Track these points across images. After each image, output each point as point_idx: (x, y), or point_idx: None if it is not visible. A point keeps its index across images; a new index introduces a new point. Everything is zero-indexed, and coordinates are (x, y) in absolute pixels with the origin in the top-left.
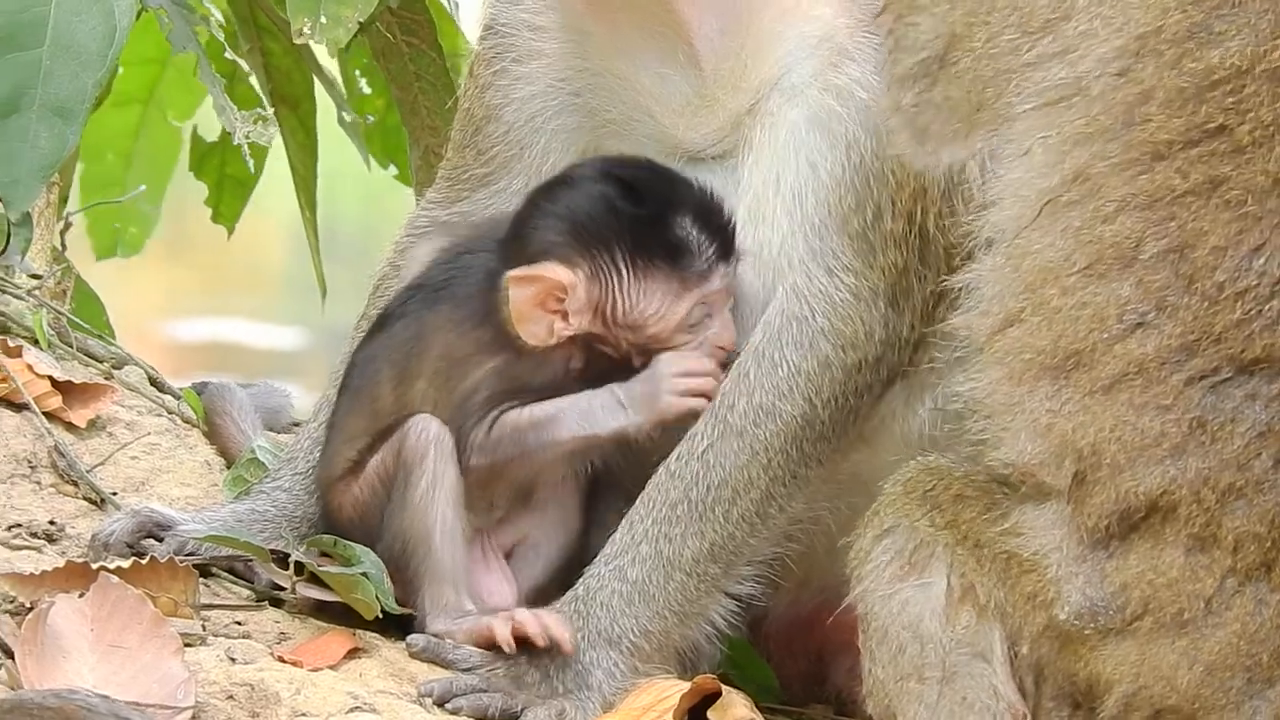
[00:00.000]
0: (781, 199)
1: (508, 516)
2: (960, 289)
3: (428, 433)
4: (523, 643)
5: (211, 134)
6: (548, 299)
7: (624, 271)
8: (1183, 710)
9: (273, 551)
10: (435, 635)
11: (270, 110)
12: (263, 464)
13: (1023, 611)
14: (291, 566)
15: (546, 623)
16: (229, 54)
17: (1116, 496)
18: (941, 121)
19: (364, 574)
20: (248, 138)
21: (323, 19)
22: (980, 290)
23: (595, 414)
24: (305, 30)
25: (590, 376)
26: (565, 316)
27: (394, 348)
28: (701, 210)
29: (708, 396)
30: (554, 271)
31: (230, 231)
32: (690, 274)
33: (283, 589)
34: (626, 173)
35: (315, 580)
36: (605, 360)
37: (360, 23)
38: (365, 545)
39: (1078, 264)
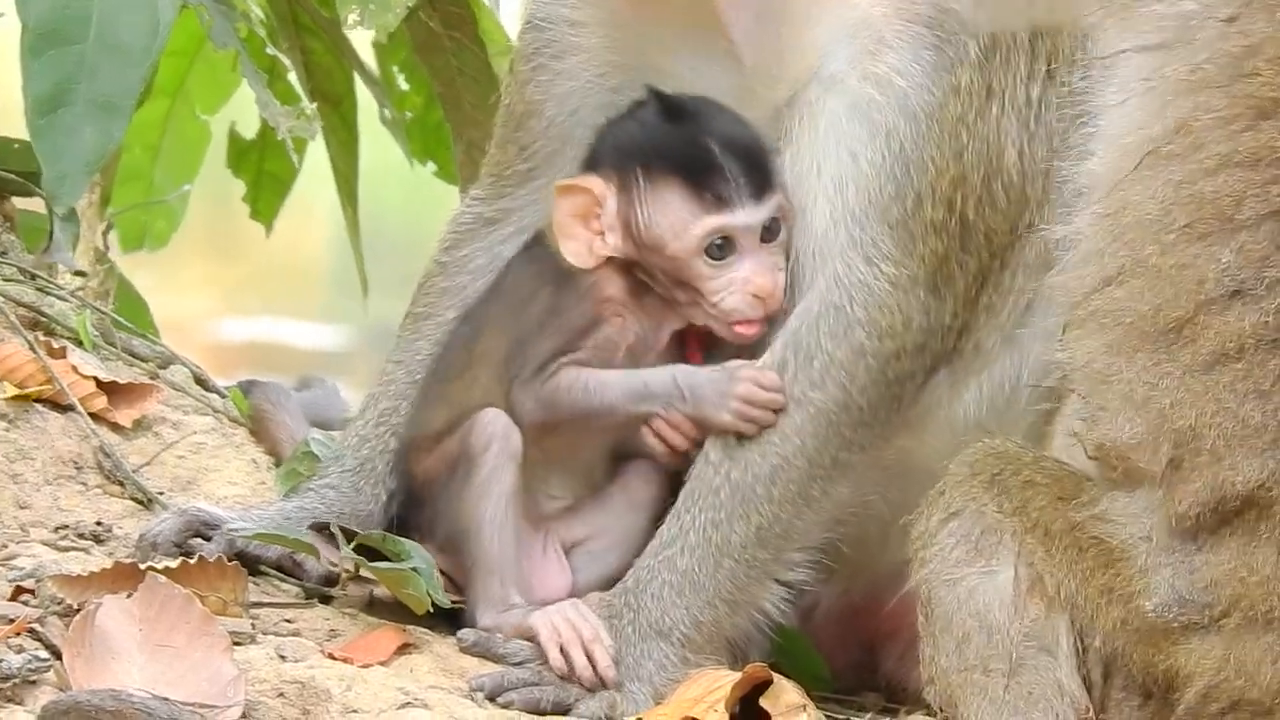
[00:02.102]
0: (823, 188)
1: (575, 509)
2: (1051, 247)
3: (494, 425)
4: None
5: (249, 131)
6: (587, 213)
7: (644, 182)
8: (1263, 704)
9: (319, 527)
10: (484, 629)
11: (312, 105)
12: (316, 457)
13: (1096, 604)
14: (341, 562)
15: (595, 656)
16: (270, 49)
17: (1212, 486)
18: None
19: (414, 569)
20: (291, 132)
21: (371, 5)
22: (1079, 245)
23: (651, 392)
24: (354, 18)
25: (642, 331)
26: (603, 235)
27: (480, 305)
28: (737, 142)
29: (762, 425)
30: (591, 182)
31: (268, 229)
32: (708, 195)
33: (332, 584)
34: (677, 96)
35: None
36: (651, 297)
37: (409, 7)
38: (430, 513)
39: (1178, 221)
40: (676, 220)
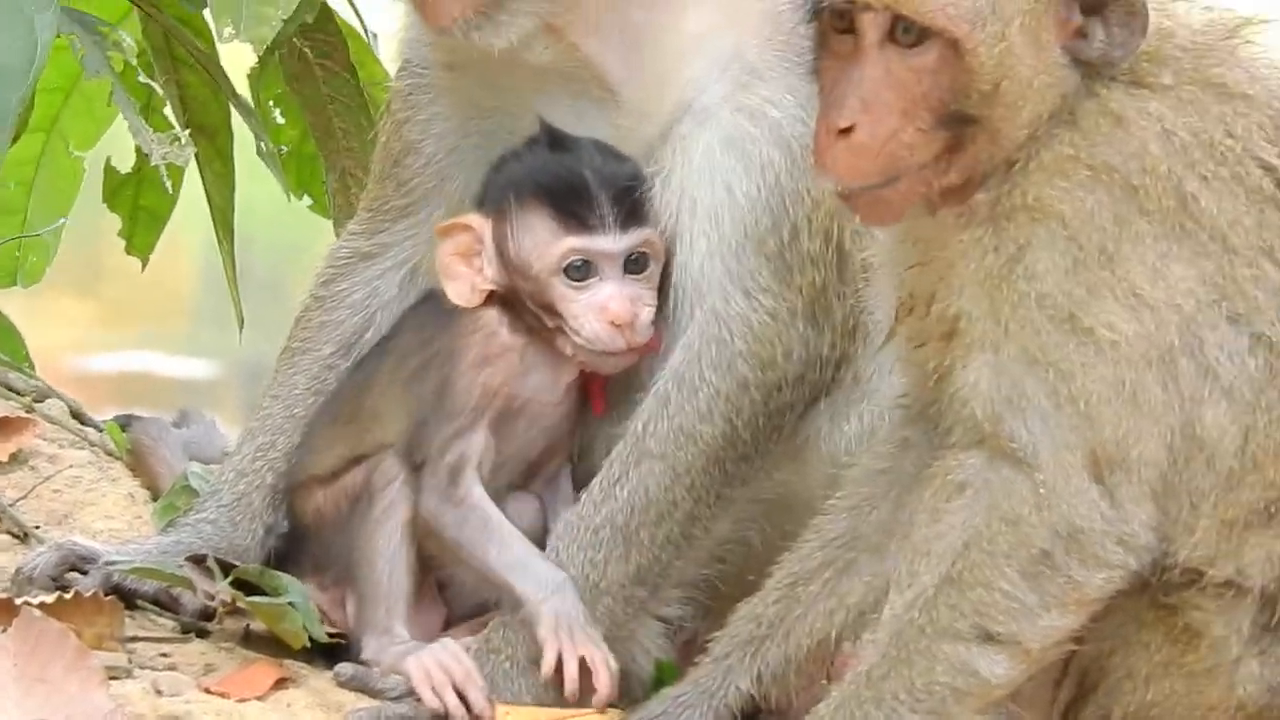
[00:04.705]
0: (698, 222)
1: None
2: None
3: (396, 468)
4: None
5: (124, 165)
6: (469, 251)
7: (515, 206)
8: None
9: (195, 559)
10: (363, 662)
11: (186, 132)
12: (194, 491)
13: (1175, 684)
14: (218, 596)
15: (469, 696)
16: (142, 78)
17: None
18: None
19: (290, 604)
20: (165, 159)
21: (245, 18)
22: None
23: (526, 569)
24: (229, 31)
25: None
26: (483, 272)
27: (373, 355)
28: (607, 173)
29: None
30: (469, 219)
31: (144, 263)
32: (571, 218)
33: (209, 619)
34: (561, 131)
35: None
36: (539, 345)
37: (284, 20)
38: (318, 550)
39: None
40: (540, 240)
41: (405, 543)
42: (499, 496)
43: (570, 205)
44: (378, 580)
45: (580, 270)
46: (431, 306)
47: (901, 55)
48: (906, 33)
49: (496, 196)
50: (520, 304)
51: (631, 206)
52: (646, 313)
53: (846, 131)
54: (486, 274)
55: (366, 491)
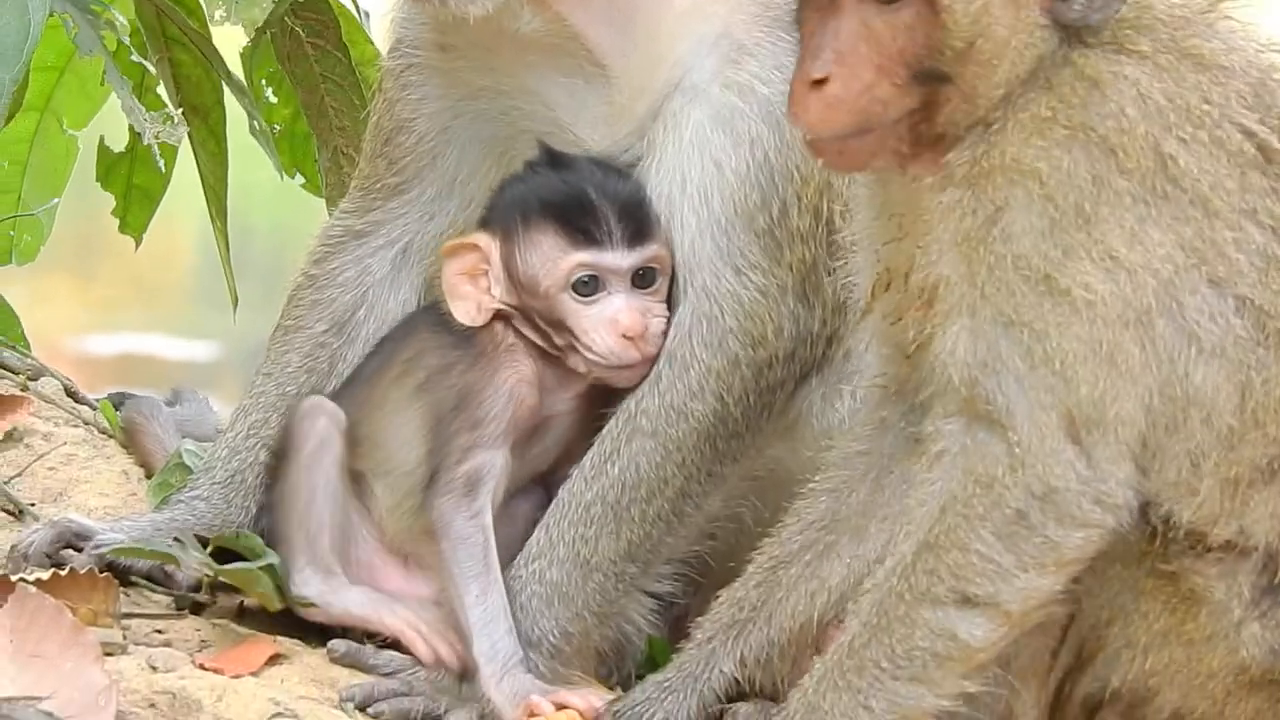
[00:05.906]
0: (688, 199)
1: None
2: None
3: (321, 406)
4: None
5: (118, 144)
6: (475, 271)
7: (522, 225)
8: None
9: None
10: (304, 599)
11: (179, 111)
12: (188, 468)
13: (1177, 652)
14: (199, 569)
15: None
16: (135, 57)
17: None
18: None
19: (266, 566)
20: (157, 138)
21: (237, 0)
22: None
23: (491, 632)
24: (220, 13)
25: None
26: (490, 291)
27: (381, 346)
28: (612, 191)
29: None
30: (476, 238)
31: (138, 242)
32: (578, 233)
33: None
34: (561, 151)
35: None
36: (556, 369)
37: (274, 1)
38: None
39: None
40: (548, 256)
41: (341, 473)
42: (504, 499)
43: (577, 221)
44: (316, 511)
45: (589, 285)
46: (444, 315)
47: (879, 10)
48: None
49: (502, 216)
50: (529, 324)
51: (638, 223)
52: (656, 323)
53: (821, 83)
54: (494, 293)
55: (292, 436)
